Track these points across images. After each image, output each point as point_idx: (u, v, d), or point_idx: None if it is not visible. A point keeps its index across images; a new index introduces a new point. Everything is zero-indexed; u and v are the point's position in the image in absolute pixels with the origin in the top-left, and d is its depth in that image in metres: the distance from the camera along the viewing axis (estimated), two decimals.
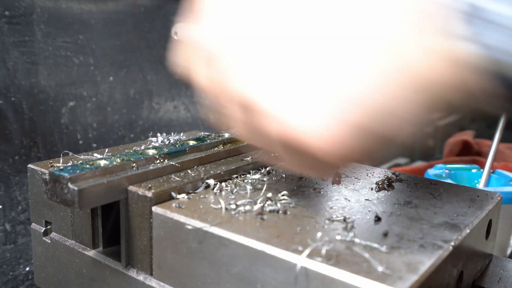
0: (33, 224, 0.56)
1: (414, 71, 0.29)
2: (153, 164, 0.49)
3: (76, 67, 0.88)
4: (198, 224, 0.42)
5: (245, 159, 0.56)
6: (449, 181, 0.74)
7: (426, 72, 0.29)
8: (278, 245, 0.38)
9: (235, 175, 0.53)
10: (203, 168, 0.52)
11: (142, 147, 0.56)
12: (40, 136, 0.79)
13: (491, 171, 0.80)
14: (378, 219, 0.44)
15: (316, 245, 0.38)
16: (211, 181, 0.49)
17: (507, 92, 0.28)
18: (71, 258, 0.52)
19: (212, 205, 0.45)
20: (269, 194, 0.48)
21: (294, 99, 0.32)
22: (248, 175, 0.54)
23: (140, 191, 0.45)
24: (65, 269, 0.53)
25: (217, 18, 0.35)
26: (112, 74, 0.94)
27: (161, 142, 0.61)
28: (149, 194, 0.45)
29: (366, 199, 0.49)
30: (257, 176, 0.53)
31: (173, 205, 0.45)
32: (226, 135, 0.60)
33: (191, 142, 0.55)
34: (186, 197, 0.46)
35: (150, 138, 0.63)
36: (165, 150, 0.52)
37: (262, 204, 0.45)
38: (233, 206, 0.45)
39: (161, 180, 0.48)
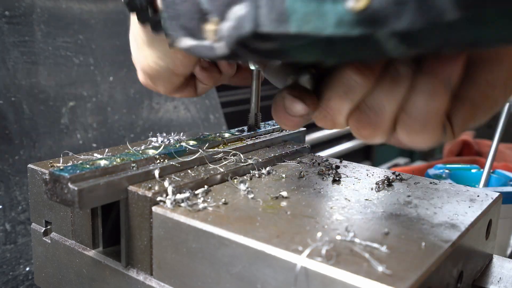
0: (33, 224, 0.56)
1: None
2: (153, 164, 0.49)
3: (76, 67, 0.88)
4: (198, 224, 0.42)
5: (245, 159, 0.56)
6: (449, 181, 0.74)
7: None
8: (278, 245, 0.38)
9: (235, 175, 0.53)
10: (203, 168, 0.52)
11: (142, 147, 0.56)
12: (40, 136, 0.79)
13: (491, 171, 0.80)
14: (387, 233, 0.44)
15: (316, 245, 0.38)
16: (211, 181, 0.49)
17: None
18: (71, 258, 0.52)
19: (212, 205, 0.45)
20: (269, 194, 0.48)
21: None
22: (248, 175, 0.54)
23: (140, 191, 0.45)
24: (65, 269, 0.53)
25: None
26: (112, 74, 0.94)
27: (161, 142, 0.61)
28: (149, 194, 0.45)
29: (366, 199, 0.49)
30: (257, 176, 0.53)
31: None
32: (226, 135, 0.60)
33: (191, 142, 0.55)
34: (186, 197, 0.46)
35: (150, 138, 0.63)
36: (165, 150, 0.52)
37: (262, 204, 0.45)
38: (233, 206, 0.45)
39: (161, 180, 0.48)
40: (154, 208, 0.44)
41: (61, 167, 0.44)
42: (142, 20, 0.43)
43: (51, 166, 0.53)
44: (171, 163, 0.50)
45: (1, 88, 0.76)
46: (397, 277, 0.34)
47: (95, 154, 0.56)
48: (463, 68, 0.35)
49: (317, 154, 0.65)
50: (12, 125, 0.76)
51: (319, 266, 0.35)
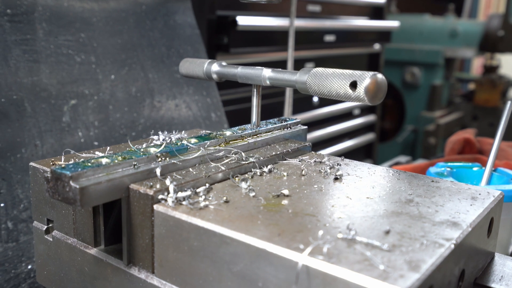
0: (35, 222, 0.56)
1: None
2: (154, 163, 0.49)
3: (77, 66, 0.88)
4: (199, 222, 0.42)
5: (247, 157, 0.56)
6: (450, 179, 0.74)
7: None
8: (280, 243, 0.38)
9: (237, 173, 0.53)
10: (204, 166, 0.52)
11: (144, 146, 0.56)
12: (42, 134, 0.79)
13: (493, 169, 0.80)
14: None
15: (317, 243, 0.38)
16: (212, 179, 0.49)
17: None
18: (73, 256, 0.52)
19: (213, 203, 0.45)
20: (270, 192, 0.48)
21: None
22: (249, 173, 0.54)
23: (142, 189, 0.45)
24: (67, 267, 0.53)
25: None
26: (113, 72, 0.94)
27: (163, 140, 0.61)
28: (151, 192, 0.45)
29: (368, 197, 0.49)
30: (258, 174, 0.53)
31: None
32: (228, 133, 0.60)
33: (193, 141, 0.55)
34: (187, 195, 0.47)
35: (151, 137, 0.63)
36: (167, 148, 0.52)
37: (263, 202, 0.45)
38: (235, 204, 0.45)
39: (162, 178, 0.48)
40: (155, 206, 0.44)
41: (63, 165, 0.44)
42: None
43: (53, 164, 0.53)
44: (172, 161, 0.50)
45: (3, 86, 0.76)
46: (399, 275, 0.34)
47: (97, 152, 0.56)
48: None
49: (319, 152, 0.65)
50: (14, 123, 0.76)
51: (320, 264, 0.35)
